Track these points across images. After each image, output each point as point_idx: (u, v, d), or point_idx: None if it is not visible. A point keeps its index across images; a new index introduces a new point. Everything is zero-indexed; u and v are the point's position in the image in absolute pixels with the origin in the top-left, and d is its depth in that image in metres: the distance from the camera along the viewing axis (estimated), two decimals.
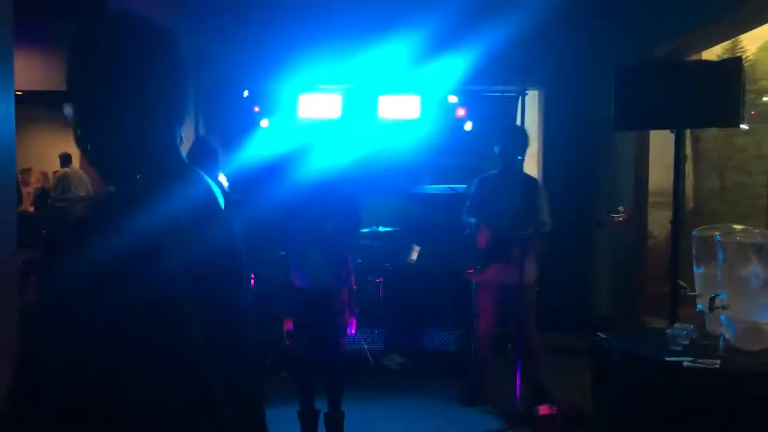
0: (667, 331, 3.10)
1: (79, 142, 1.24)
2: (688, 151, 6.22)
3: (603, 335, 4.24)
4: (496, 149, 4.86)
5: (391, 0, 7.09)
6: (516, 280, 4.54)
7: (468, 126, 7.09)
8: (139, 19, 1.24)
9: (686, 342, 3.07)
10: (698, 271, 3.24)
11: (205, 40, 7.22)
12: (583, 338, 6.68)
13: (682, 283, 3.54)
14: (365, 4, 7.13)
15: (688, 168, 6.36)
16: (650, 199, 6.46)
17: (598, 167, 7.24)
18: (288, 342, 5.79)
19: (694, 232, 3.29)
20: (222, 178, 5.39)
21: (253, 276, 6.25)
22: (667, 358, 2.88)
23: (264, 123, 7.13)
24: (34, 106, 11.12)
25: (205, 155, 5.10)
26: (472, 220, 4.82)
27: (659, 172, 6.41)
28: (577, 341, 6.63)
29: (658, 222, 6.37)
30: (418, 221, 7.03)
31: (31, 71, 8.66)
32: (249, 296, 1.36)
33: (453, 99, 7.01)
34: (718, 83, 3.80)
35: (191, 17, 7.36)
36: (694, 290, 3.30)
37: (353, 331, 4.43)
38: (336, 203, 4.25)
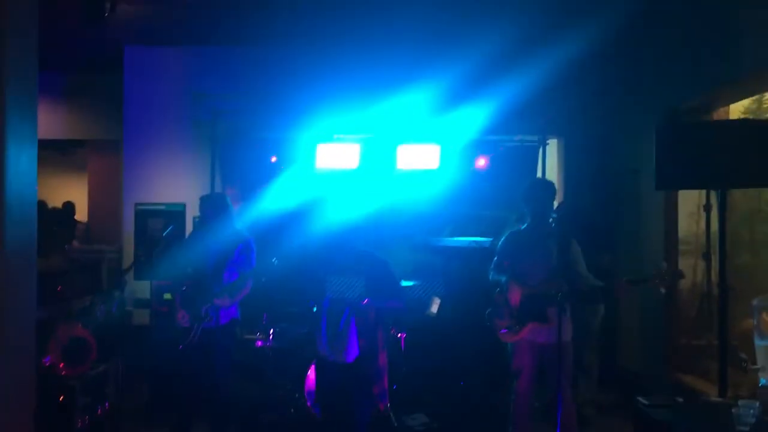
0: (733, 409, 2.93)
1: None
2: (713, 200, 6.12)
3: (645, 401, 4.06)
4: (524, 204, 4.72)
5: (410, 49, 7.05)
6: (554, 340, 4.38)
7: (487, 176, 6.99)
8: None
9: (753, 421, 2.90)
10: (760, 343, 3.08)
11: (222, 92, 7.21)
12: (610, 393, 6.53)
13: (743, 356, 3.37)
14: (384, 55, 7.10)
15: (713, 217, 6.25)
16: None
17: (622, 218, 7.12)
18: (310, 403, 5.63)
19: (755, 301, 3.14)
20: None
21: (271, 331, 6.09)
22: None
23: (282, 173, 7.02)
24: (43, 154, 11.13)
25: (219, 210, 5.03)
26: (503, 278, 4.66)
27: (682, 219, 6.30)
28: (605, 395, 6.46)
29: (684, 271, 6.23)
30: (439, 274, 6.87)
31: (42, 120, 8.64)
32: None
33: (480, 162, 6.94)
34: (764, 142, 3.69)
35: (207, 70, 7.37)
36: (753, 360, 3.14)
37: (385, 405, 4.26)
38: (373, 274, 4.10)
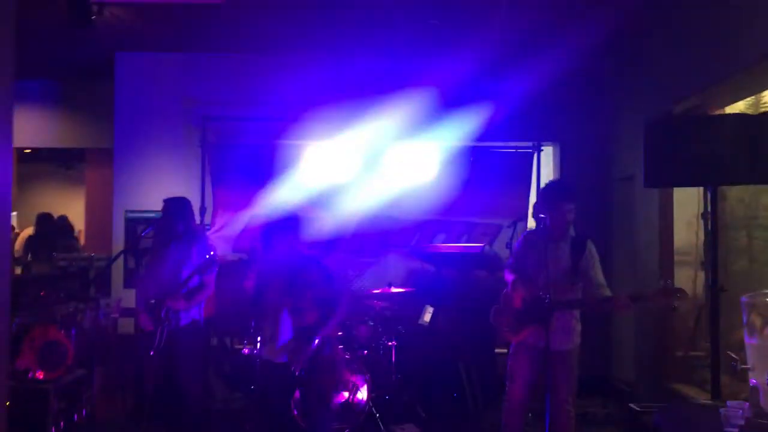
0: (721, 410, 2.79)
1: None
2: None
3: (638, 407, 3.93)
4: (538, 205, 4.53)
5: (403, 56, 6.99)
6: (554, 347, 4.19)
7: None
8: None
9: (741, 422, 2.76)
10: (751, 341, 2.94)
11: (213, 98, 7.17)
12: (606, 405, 6.38)
13: (733, 355, 3.23)
14: (376, 64, 7.07)
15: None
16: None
17: (618, 225, 6.99)
18: (296, 412, 5.51)
19: (744, 298, 3.00)
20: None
21: (259, 339, 5.96)
22: None
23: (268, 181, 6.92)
24: (38, 163, 11.20)
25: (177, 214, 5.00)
26: (511, 278, 4.49)
27: (679, 229, 6.15)
28: (600, 407, 6.31)
29: (680, 281, 6.08)
30: (432, 282, 6.75)
31: (37, 129, 8.60)
32: None
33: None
34: (757, 138, 3.57)
35: (197, 76, 7.33)
36: (745, 362, 3.00)
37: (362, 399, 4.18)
38: (309, 279, 4.11)
